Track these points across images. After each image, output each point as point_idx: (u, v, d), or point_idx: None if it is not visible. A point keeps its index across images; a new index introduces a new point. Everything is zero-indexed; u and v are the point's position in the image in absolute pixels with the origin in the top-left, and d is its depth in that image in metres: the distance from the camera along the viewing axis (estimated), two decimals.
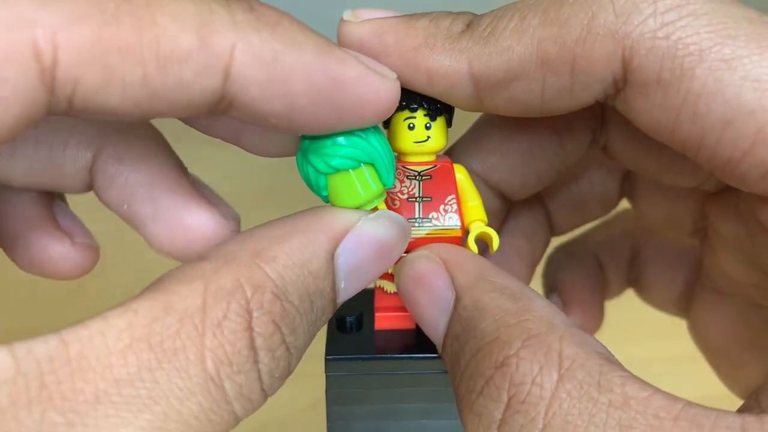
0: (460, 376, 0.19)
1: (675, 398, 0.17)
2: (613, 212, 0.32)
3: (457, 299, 0.20)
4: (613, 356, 0.18)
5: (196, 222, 0.22)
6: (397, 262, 0.23)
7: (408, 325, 0.25)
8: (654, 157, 0.26)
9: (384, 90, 0.20)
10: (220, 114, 0.19)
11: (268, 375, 0.18)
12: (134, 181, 0.22)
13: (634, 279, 0.32)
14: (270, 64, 0.18)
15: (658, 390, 0.17)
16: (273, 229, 0.19)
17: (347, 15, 0.22)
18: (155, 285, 0.18)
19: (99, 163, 0.22)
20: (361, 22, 0.22)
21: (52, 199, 0.24)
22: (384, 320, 0.25)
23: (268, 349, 0.18)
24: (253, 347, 0.17)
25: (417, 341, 0.24)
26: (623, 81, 0.20)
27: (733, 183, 0.20)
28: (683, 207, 0.28)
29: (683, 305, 0.31)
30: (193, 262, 0.18)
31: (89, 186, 0.23)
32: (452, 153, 0.28)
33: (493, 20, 0.21)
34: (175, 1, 0.17)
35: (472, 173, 0.26)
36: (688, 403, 0.17)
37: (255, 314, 0.17)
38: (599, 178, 0.30)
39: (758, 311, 0.27)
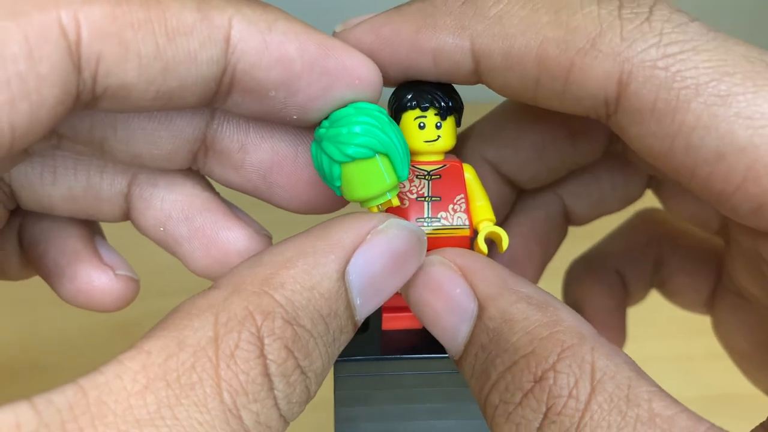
0: (491, 386, 0.19)
1: (699, 419, 0.17)
2: (632, 214, 0.32)
3: (482, 309, 0.20)
4: (640, 368, 0.19)
5: (231, 238, 0.23)
6: None
7: (415, 325, 0.24)
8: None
9: (365, 60, 0.21)
10: (225, 96, 0.20)
11: (285, 401, 0.18)
12: (169, 203, 0.23)
13: (660, 284, 0.32)
14: (264, 31, 0.19)
15: (684, 409, 0.17)
16: (280, 253, 0.19)
17: (338, 27, 0.22)
18: (166, 321, 0.18)
19: (135, 188, 0.23)
20: (353, 27, 0.22)
21: (93, 234, 0.25)
22: (391, 320, 0.24)
23: (282, 375, 0.17)
24: (267, 374, 0.17)
25: (425, 341, 0.24)
26: (615, 104, 0.20)
27: (726, 214, 0.21)
28: (710, 208, 0.28)
29: (711, 305, 0.31)
30: (201, 293, 0.18)
31: (125, 214, 0.24)
32: (467, 139, 0.28)
33: (500, 1, 0.21)
34: None
35: (485, 161, 0.27)
36: (712, 426, 0.17)
37: (266, 341, 0.17)
38: (622, 176, 0.29)
39: None
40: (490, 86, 0.22)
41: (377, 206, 0.22)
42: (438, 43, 0.21)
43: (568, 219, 0.30)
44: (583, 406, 0.18)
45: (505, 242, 0.23)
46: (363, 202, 0.22)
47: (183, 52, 0.18)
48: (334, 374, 0.23)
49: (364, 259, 0.19)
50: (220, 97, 0.20)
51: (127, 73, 0.18)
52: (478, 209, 0.24)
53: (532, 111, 0.26)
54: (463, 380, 0.23)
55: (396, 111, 0.23)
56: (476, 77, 0.22)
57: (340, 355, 0.23)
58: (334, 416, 0.24)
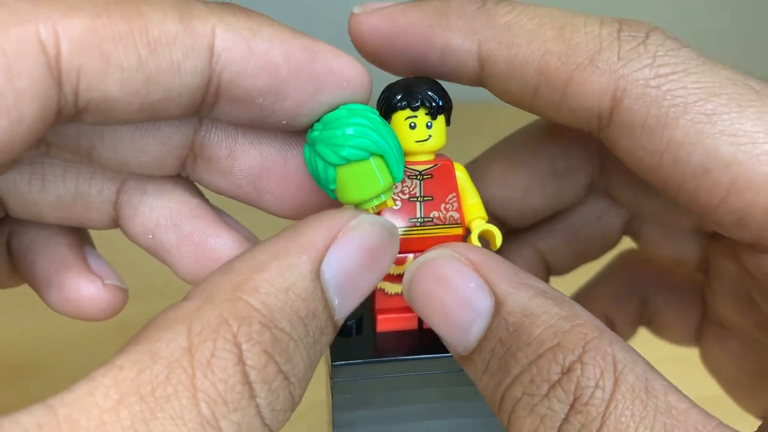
0: (513, 380, 0.19)
1: (709, 415, 0.18)
2: (613, 256, 0.32)
3: (499, 304, 0.20)
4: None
5: (220, 245, 0.23)
6: (402, 262, 0.23)
7: (410, 325, 0.24)
8: (654, 198, 0.27)
9: (352, 62, 0.21)
10: (212, 105, 0.20)
11: (268, 409, 0.17)
12: (158, 210, 0.23)
13: (648, 322, 0.33)
14: (249, 38, 0.19)
15: (695, 404, 0.18)
16: (252, 258, 0.19)
17: (357, 9, 0.23)
18: (138, 335, 0.17)
19: (123, 195, 0.23)
20: (371, 12, 0.23)
21: (82, 243, 0.24)
22: (386, 322, 0.24)
23: (263, 381, 0.17)
24: (247, 381, 0.17)
25: (420, 341, 0.24)
26: (608, 118, 0.21)
27: (712, 227, 0.22)
28: (687, 245, 0.29)
29: (698, 338, 0.31)
30: (174, 305, 0.18)
31: (114, 221, 0.23)
32: None
33: (511, 11, 0.22)
34: (155, 1, 0.19)
35: None
36: (720, 423, 0.18)
37: (244, 347, 0.17)
38: (598, 226, 0.30)
39: (764, 346, 0.27)
40: (491, 90, 0.23)
41: (371, 208, 0.22)
42: (448, 42, 0.22)
43: (549, 271, 0.31)
44: (609, 396, 0.18)
45: (498, 239, 0.24)
46: (357, 205, 0.22)
47: (166, 63, 0.18)
48: (333, 379, 0.23)
49: (338, 256, 0.19)
50: (206, 107, 0.20)
51: (109, 86, 0.18)
52: (470, 207, 0.24)
53: (519, 153, 0.28)
54: (459, 379, 0.23)
55: (386, 111, 0.23)
56: (479, 80, 0.23)
57: (336, 359, 0.23)
58: (332, 422, 0.24)
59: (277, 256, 0.18)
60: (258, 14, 0.20)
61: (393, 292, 0.24)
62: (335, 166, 0.21)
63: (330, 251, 0.19)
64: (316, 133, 0.21)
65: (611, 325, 0.32)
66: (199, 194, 0.24)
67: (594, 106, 0.21)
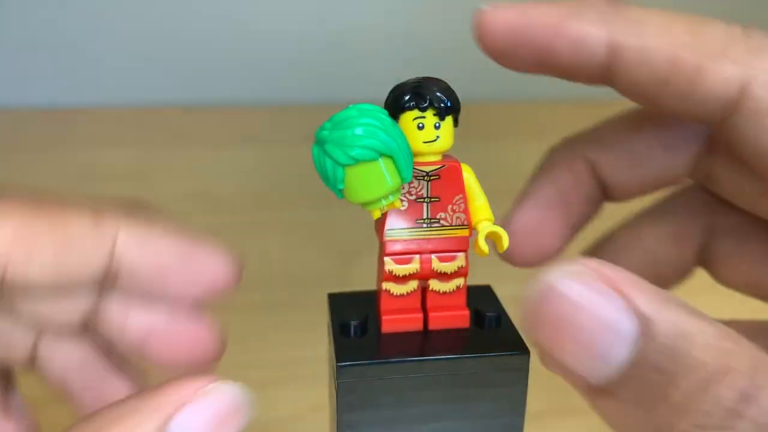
0: (674, 411, 0.17)
1: None
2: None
3: (647, 325, 0.18)
4: None
5: (116, 389, 0.27)
6: (408, 262, 0.22)
7: (415, 326, 0.24)
8: (756, 182, 0.27)
9: (224, 259, 0.25)
10: (111, 285, 0.24)
11: None
12: (68, 355, 0.27)
13: (705, 264, 0.31)
14: (143, 239, 0.24)
15: None
16: (111, 411, 0.21)
17: (484, 6, 0.25)
18: None
19: (42, 341, 0.26)
20: (501, 7, 0.24)
21: (7, 383, 0.28)
22: (391, 323, 0.24)
23: None
24: None
25: (426, 342, 0.24)
26: (734, 107, 0.23)
27: None
28: (765, 271, 0.28)
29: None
30: None
31: (33, 362, 0.27)
32: (572, 142, 0.29)
33: (641, 9, 0.24)
34: (75, 204, 0.24)
35: (585, 161, 0.29)
36: None
37: None
38: (674, 250, 0.30)
39: None
40: (618, 83, 0.24)
41: (380, 208, 0.22)
42: (579, 31, 0.24)
43: None
44: None
45: (505, 241, 0.23)
46: (365, 205, 0.22)
47: (77, 257, 0.23)
48: (338, 380, 0.23)
49: (185, 419, 0.20)
50: (107, 286, 0.25)
51: (29, 275, 0.22)
52: (477, 209, 0.24)
53: (634, 120, 0.29)
54: (465, 381, 0.23)
55: (394, 111, 0.23)
56: (607, 73, 0.24)
57: (341, 360, 0.23)
58: (336, 423, 0.23)
59: (132, 413, 0.20)
60: (155, 217, 0.25)
61: (398, 293, 0.24)
62: (344, 166, 0.21)
63: (179, 413, 0.20)
64: (325, 133, 0.21)
65: (659, 268, 0.30)
66: (104, 341, 0.27)
67: (722, 95, 0.23)
